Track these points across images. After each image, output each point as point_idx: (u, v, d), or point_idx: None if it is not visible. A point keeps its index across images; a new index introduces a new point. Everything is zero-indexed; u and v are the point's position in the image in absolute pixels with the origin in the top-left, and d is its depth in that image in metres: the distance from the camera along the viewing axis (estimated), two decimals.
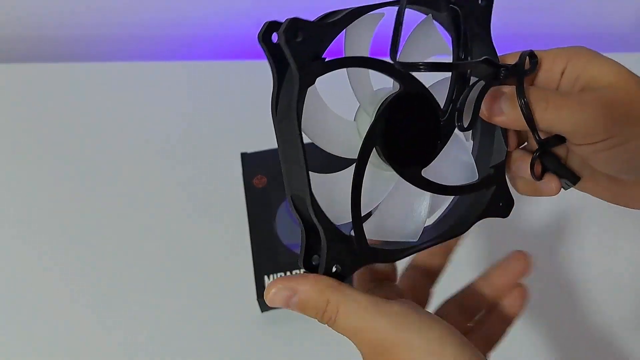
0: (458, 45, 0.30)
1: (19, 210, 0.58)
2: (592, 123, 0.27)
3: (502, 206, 0.32)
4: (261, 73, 0.66)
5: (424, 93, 0.29)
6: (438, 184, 0.29)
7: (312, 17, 0.27)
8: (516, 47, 0.34)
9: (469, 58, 0.30)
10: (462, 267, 0.40)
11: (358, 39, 0.28)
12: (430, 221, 0.32)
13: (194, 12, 0.71)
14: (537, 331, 0.53)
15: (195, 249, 0.55)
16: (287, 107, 0.27)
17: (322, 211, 0.27)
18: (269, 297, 0.27)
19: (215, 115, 0.64)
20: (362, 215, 0.28)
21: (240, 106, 0.65)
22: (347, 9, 0.27)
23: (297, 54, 0.25)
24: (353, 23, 0.27)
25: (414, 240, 0.30)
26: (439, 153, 0.29)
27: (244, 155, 0.55)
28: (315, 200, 0.26)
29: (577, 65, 0.30)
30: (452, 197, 0.32)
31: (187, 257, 0.55)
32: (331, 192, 0.28)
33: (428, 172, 0.29)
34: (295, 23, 0.25)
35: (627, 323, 0.53)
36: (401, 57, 0.29)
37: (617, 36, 0.76)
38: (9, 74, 0.67)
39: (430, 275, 0.36)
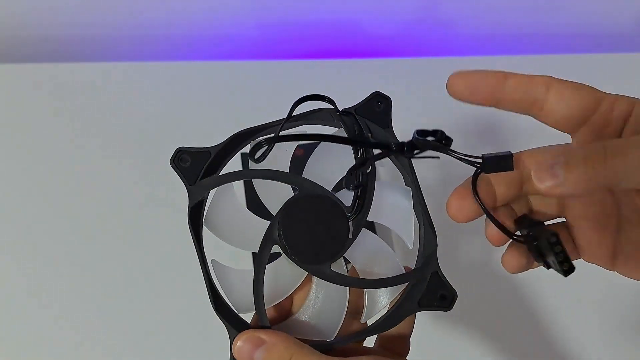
0: (356, 147, 0.31)
1: (18, 209, 0.58)
2: None
3: (441, 298, 0.30)
4: (261, 73, 0.66)
5: (322, 194, 0.30)
6: (345, 276, 0.30)
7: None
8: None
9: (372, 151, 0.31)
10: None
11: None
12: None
13: (194, 12, 0.71)
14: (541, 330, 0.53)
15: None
16: None
17: (226, 306, 0.30)
18: (236, 348, 0.28)
19: (215, 116, 0.64)
20: (272, 304, 0.30)
21: (240, 106, 0.65)
22: (234, 134, 0.31)
23: (185, 175, 0.32)
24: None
25: (330, 339, 0.30)
26: (348, 247, 0.30)
27: (243, 155, 0.55)
28: (216, 297, 0.30)
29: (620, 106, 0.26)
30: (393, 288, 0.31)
31: (186, 258, 0.55)
32: (239, 285, 0.30)
33: (362, 269, 0.31)
34: (180, 152, 0.32)
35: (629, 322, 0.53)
36: (315, 163, 0.32)
37: (617, 36, 0.76)
38: (9, 74, 0.67)
39: (400, 336, 0.33)
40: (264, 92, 0.65)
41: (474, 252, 0.56)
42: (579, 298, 0.54)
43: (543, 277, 0.54)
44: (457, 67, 0.28)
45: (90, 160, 0.61)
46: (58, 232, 0.57)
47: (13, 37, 0.72)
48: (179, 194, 0.59)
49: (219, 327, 0.29)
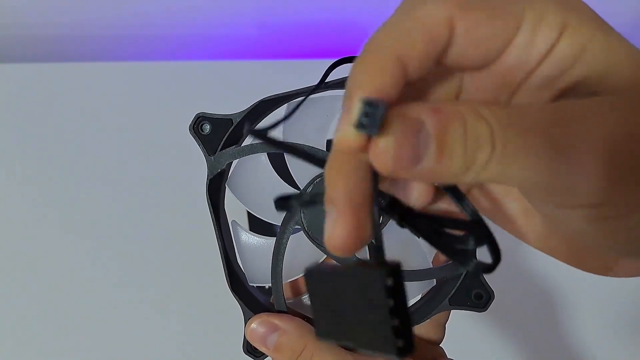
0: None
1: (17, 209, 0.58)
2: (589, 176, 0.15)
3: (476, 297, 0.27)
4: (261, 73, 0.66)
5: None
6: (370, 262, 0.27)
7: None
8: None
9: None
10: None
11: (292, 125, 0.29)
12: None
13: (194, 11, 0.71)
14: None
15: (196, 248, 0.55)
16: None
17: (242, 285, 0.28)
18: (249, 330, 0.27)
19: None
20: (288, 280, 0.28)
21: (239, 106, 0.65)
22: (258, 101, 0.29)
23: (205, 144, 0.29)
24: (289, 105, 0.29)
25: None
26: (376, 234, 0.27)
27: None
28: (232, 275, 0.28)
29: (576, 40, 0.16)
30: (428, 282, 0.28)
31: (186, 257, 0.55)
32: (257, 255, 0.29)
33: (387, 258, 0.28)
34: (201, 118, 0.29)
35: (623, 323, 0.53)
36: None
37: None
38: (9, 74, 0.67)
39: (434, 323, 0.30)
40: (264, 92, 0.64)
41: None
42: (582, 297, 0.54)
43: (545, 276, 0.55)
44: None
45: (89, 159, 0.61)
46: (54, 231, 0.57)
47: (13, 37, 0.72)
48: (178, 193, 0.60)
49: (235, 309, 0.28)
